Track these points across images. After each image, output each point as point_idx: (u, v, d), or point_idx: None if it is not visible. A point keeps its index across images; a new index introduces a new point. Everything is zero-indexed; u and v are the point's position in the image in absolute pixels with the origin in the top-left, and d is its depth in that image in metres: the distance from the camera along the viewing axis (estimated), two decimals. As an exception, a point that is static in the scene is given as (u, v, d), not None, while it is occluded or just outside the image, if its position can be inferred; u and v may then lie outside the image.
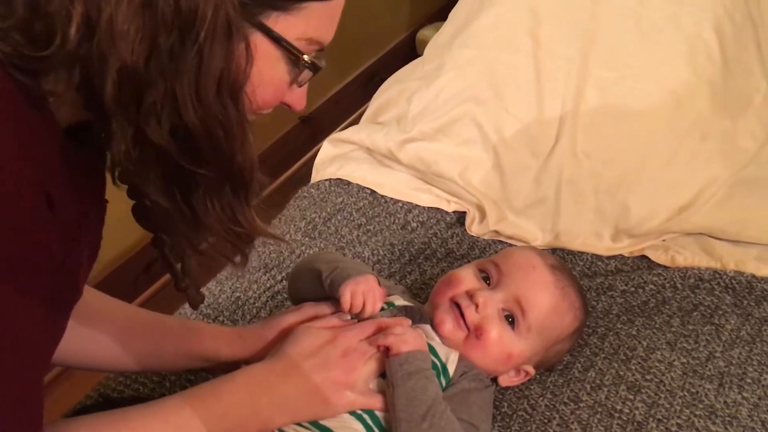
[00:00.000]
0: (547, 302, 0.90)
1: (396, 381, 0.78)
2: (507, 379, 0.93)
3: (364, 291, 0.84)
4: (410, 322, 0.87)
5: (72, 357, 0.79)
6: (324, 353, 0.80)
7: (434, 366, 0.85)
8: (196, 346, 0.88)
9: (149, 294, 1.89)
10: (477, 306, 0.87)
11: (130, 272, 1.83)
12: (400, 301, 0.94)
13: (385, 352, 0.81)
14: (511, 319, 0.89)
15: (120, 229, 1.78)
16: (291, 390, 0.77)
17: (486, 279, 0.92)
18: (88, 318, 0.81)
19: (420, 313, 0.91)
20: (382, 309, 0.90)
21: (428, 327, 0.89)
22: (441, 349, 0.87)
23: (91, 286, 1.77)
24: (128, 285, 1.83)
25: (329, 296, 0.89)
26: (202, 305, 1.12)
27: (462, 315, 0.88)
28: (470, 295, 0.88)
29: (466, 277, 0.92)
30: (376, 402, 0.80)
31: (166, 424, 0.70)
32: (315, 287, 0.90)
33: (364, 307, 0.84)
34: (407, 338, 0.81)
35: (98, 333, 0.83)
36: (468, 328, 0.88)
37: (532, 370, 0.92)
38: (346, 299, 0.84)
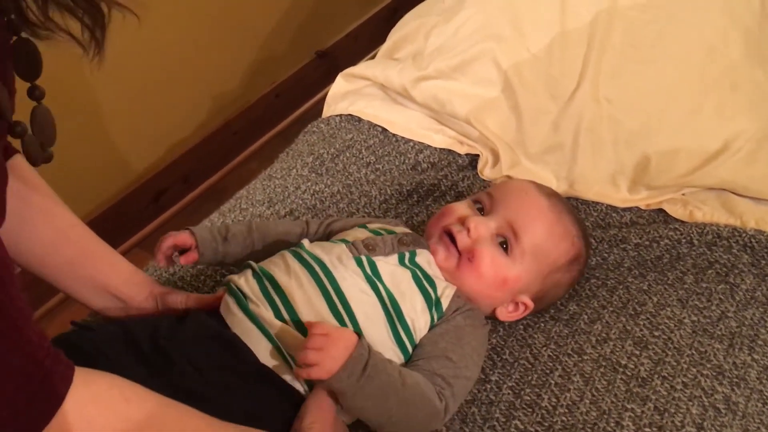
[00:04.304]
0: (541, 225, 0.88)
1: (346, 407, 0.76)
2: (505, 313, 0.91)
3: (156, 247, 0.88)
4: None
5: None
6: None
7: (428, 298, 0.84)
8: (103, 275, 0.86)
9: (157, 224, 1.88)
10: (469, 231, 0.86)
11: (139, 201, 1.82)
12: (400, 228, 0.93)
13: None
14: (505, 246, 0.87)
15: (129, 157, 1.78)
16: None
17: (481, 210, 0.91)
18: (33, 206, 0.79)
19: (421, 240, 0.89)
20: (378, 234, 0.88)
21: (430, 255, 0.88)
22: (439, 283, 0.86)
23: (100, 212, 1.74)
24: (136, 214, 1.83)
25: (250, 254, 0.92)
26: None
27: (454, 242, 0.87)
28: (462, 222, 0.87)
29: (459, 207, 0.91)
30: None
31: None
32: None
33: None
34: (318, 359, 0.72)
35: (32, 223, 0.80)
36: (459, 253, 0.86)
37: (530, 303, 0.90)
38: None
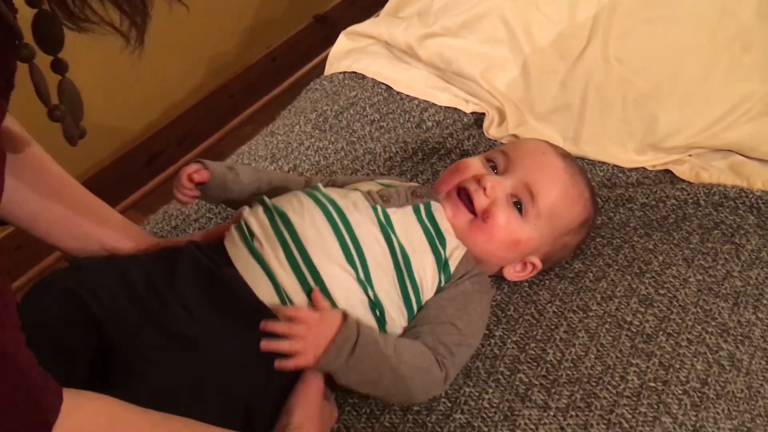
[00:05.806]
0: (557, 187, 0.87)
1: (341, 384, 0.75)
2: (512, 273, 0.90)
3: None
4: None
5: None
6: None
7: (438, 258, 0.82)
8: (97, 231, 0.84)
9: (152, 186, 1.86)
10: (485, 190, 0.84)
11: (133, 163, 1.79)
12: (408, 184, 0.90)
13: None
14: (519, 206, 0.86)
15: (124, 119, 1.75)
16: None
17: (494, 169, 0.89)
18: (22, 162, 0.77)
19: (429, 192, 0.87)
20: (387, 186, 0.86)
21: (441, 208, 0.86)
22: (450, 240, 0.84)
23: (94, 174, 1.71)
24: (131, 176, 1.80)
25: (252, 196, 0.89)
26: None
27: (469, 200, 0.85)
28: (477, 180, 0.85)
29: (473, 163, 0.88)
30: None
31: None
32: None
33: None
34: (300, 348, 0.72)
35: (24, 181, 0.79)
36: (474, 213, 0.84)
37: (538, 263, 0.89)
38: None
